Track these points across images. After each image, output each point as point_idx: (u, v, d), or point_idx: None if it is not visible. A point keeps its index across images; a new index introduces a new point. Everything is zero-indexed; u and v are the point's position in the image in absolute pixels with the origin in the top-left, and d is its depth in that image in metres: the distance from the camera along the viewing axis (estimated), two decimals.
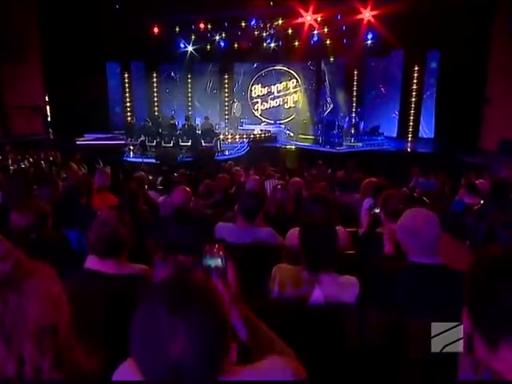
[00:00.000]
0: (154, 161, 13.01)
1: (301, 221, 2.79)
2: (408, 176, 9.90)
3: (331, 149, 14.16)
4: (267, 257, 2.82)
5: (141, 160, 12.92)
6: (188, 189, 4.08)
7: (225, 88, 19.93)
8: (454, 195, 6.44)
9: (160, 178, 8.47)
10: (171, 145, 13.59)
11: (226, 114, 19.35)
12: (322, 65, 18.30)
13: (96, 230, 2.27)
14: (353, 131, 16.79)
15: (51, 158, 11.46)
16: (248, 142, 15.46)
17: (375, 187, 4.35)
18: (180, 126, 14.99)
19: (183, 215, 2.60)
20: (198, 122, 18.77)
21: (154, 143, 13.86)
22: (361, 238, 3.42)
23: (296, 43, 17.58)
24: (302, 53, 17.38)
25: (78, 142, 15.86)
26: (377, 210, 3.22)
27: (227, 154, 14.16)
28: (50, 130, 17.20)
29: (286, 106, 19.80)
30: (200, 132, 14.03)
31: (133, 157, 13.65)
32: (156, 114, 19.34)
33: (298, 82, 19.54)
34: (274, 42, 18.01)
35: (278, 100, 19.72)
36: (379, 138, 16.67)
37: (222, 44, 18.38)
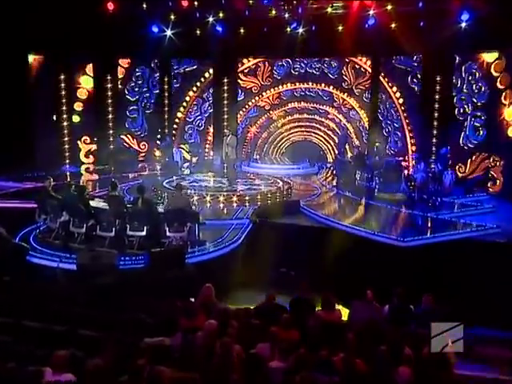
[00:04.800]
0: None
1: None
2: None
3: (392, 240, 8.02)
4: None
5: (56, 264, 7.30)
6: None
7: (223, 99, 13.05)
8: None
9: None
10: (112, 234, 7.69)
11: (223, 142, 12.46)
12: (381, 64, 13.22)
13: None
14: (432, 186, 10.46)
15: None
16: (250, 216, 8.86)
17: None
18: (130, 198, 8.94)
19: None
20: (177, 156, 12.08)
21: (84, 229, 7.80)
22: None
23: (339, 28, 12.21)
24: (349, 44, 12.15)
25: None
26: None
27: (210, 249, 7.60)
28: None
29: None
30: (165, 211, 7.95)
31: (43, 255, 7.36)
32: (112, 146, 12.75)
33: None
34: (303, 27, 12.48)
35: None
36: (479, 201, 10.09)
37: (220, 29, 12.79)
